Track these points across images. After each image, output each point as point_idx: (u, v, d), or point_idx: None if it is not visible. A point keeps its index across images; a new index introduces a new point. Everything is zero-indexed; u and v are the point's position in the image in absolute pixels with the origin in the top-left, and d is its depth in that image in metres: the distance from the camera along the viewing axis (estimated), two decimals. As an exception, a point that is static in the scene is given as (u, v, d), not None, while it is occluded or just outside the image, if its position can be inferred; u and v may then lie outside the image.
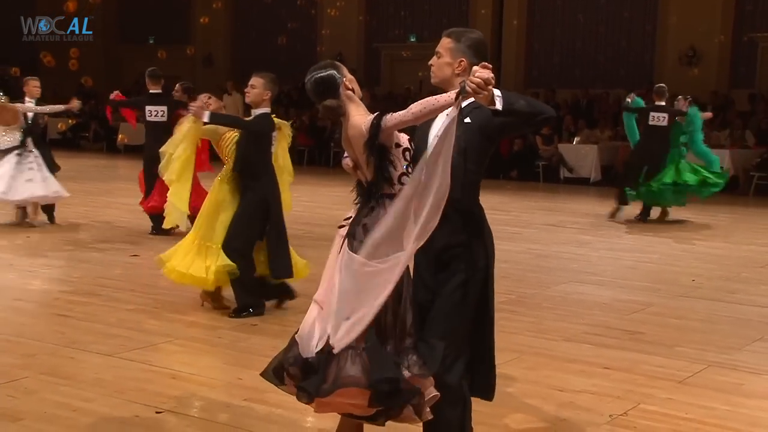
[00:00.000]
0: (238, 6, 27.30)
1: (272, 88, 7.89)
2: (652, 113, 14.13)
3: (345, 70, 4.49)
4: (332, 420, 5.10)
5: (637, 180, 14.21)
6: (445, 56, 4.43)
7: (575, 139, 20.46)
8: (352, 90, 4.43)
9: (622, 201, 14.58)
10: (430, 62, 4.54)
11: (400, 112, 4.07)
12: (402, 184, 4.22)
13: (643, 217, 14.47)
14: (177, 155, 8.17)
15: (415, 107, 4.00)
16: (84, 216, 12.96)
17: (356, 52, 25.79)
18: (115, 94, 11.71)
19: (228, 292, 7.99)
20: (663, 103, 14.17)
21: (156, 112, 11.25)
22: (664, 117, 13.99)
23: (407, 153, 4.28)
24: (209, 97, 8.25)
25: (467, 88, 3.74)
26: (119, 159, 22.87)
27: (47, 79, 25.15)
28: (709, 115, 14.60)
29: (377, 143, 4.15)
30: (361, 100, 4.65)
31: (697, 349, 7.02)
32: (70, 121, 24.56)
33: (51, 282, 9.09)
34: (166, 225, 8.86)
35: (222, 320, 7.82)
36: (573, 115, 21.49)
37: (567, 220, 14.62)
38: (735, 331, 7.69)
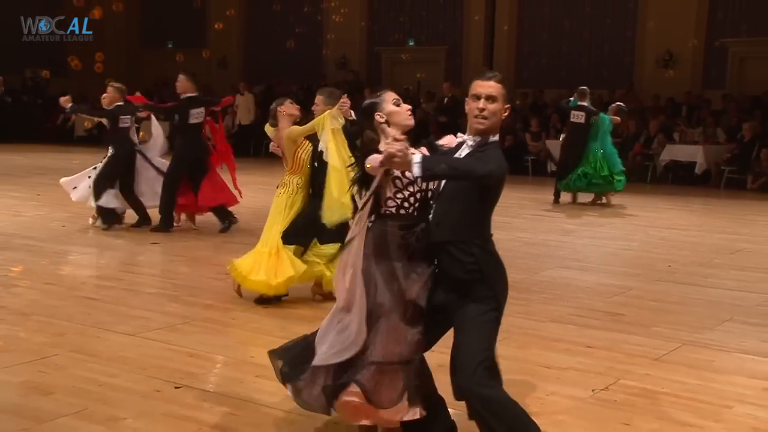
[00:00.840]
0: (249, 12, 27.26)
1: (331, 102, 7.51)
2: (573, 111, 14.80)
3: (384, 104, 4.47)
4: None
5: (566, 172, 14.93)
6: (500, 101, 4.10)
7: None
8: (387, 123, 4.41)
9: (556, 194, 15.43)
10: (481, 106, 4.09)
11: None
12: (388, 206, 4.24)
13: (594, 201, 15.22)
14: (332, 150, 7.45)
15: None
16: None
17: (359, 55, 25.77)
18: (136, 96, 11.35)
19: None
20: (584, 103, 14.66)
21: (197, 115, 10.83)
22: (582, 115, 14.61)
23: (398, 180, 4.20)
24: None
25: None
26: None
27: (74, 81, 25.22)
28: (617, 119, 14.99)
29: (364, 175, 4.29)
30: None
31: (672, 329, 7.03)
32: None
33: (79, 268, 9.11)
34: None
35: (235, 303, 7.81)
36: (559, 114, 21.45)
37: (553, 211, 14.65)
38: (707, 313, 7.70)
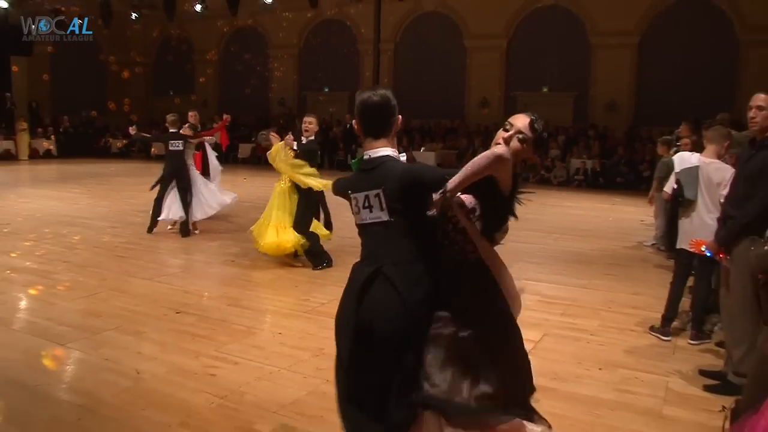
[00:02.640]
0: (221, 71, 26.85)
1: (318, 124, 7.39)
2: None
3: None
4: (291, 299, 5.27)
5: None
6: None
7: (422, 148, 20.81)
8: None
9: None
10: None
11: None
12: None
13: None
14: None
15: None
16: (131, 197, 12.82)
17: (292, 96, 25.65)
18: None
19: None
20: None
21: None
22: None
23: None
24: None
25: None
26: (152, 163, 22.30)
27: (111, 118, 24.60)
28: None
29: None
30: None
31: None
32: (124, 141, 23.75)
33: (114, 236, 9.02)
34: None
35: (214, 256, 7.81)
36: (420, 134, 21.94)
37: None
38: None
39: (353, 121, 2.66)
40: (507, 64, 21.80)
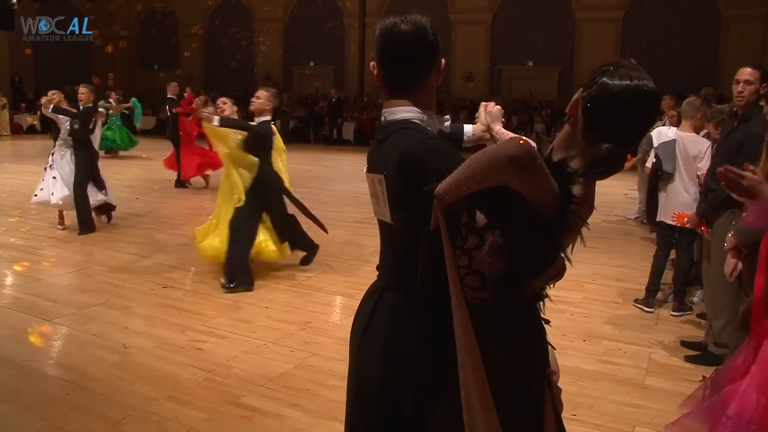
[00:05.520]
0: (207, 45, 26.46)
1: (273, 101, 5.48)
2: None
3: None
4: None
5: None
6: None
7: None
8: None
9: None
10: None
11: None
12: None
13: None
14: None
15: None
16: (118, 172, 12.63)
17: (278, 71, 25.42)
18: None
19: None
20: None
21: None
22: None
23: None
24: (224, 102, 5.79)
25: None
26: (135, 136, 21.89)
27: (94, 92, 24.10)
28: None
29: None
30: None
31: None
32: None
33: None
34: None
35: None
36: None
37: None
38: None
39: (372, 64, 1.69)
40: (492, 38, 21.68)
